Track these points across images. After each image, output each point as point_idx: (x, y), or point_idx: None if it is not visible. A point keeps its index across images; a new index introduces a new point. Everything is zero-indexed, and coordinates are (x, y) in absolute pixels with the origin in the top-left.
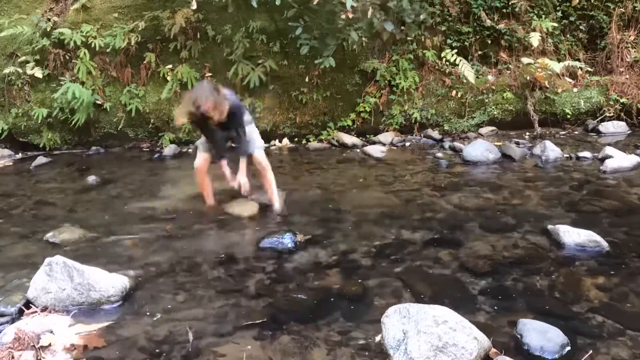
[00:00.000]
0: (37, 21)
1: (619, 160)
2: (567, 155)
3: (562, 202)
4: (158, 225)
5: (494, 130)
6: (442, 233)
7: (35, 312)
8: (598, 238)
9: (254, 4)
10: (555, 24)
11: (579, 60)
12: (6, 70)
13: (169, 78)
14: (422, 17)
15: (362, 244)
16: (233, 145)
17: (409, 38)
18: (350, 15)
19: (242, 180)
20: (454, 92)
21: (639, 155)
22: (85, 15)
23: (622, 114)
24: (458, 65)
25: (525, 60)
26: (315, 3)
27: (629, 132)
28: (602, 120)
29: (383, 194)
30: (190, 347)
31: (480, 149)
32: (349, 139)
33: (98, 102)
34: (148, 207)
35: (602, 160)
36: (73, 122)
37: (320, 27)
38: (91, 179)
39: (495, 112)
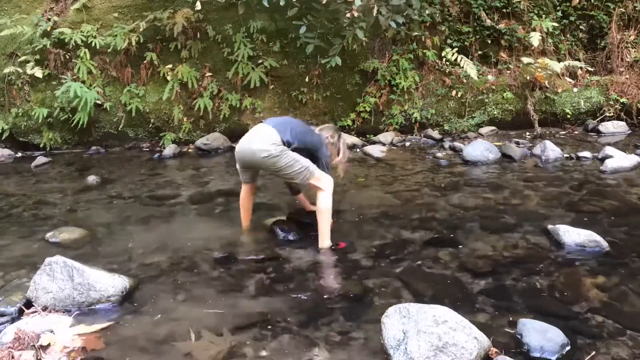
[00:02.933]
0: (37, 21)
1: (619, 160)
2: (567, 155)
3: (562, 202)
4: (158, 224)
5: (494, 130)
6: (442, 233)
7: (35, 312)
8: (598, 238)
9: (266, 3)
10: (556, 24)
11: (579, 60)
12: (6, 70)
13: (169, 78)
14: (427, 12)
15: (362, 244)
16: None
17: (414, 34)
18: (356, 14)
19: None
20: (454, 92)
21: (639, 155)
22: (85, 15)
23: (622, 114)
24: (459, 63)
25: (525, 60)
26: (324, 3)
27: (629, 132)
28: (602, 120)
29: (383, 194)
30: (190, 347)
31: (480, 149)
32: (349, 139)
33: (98, 102)
34: (148, 207)
35: (602, 160)
36: (75, 122)
37: (324, 26)
38: (91, 179)
39: (495, 112)
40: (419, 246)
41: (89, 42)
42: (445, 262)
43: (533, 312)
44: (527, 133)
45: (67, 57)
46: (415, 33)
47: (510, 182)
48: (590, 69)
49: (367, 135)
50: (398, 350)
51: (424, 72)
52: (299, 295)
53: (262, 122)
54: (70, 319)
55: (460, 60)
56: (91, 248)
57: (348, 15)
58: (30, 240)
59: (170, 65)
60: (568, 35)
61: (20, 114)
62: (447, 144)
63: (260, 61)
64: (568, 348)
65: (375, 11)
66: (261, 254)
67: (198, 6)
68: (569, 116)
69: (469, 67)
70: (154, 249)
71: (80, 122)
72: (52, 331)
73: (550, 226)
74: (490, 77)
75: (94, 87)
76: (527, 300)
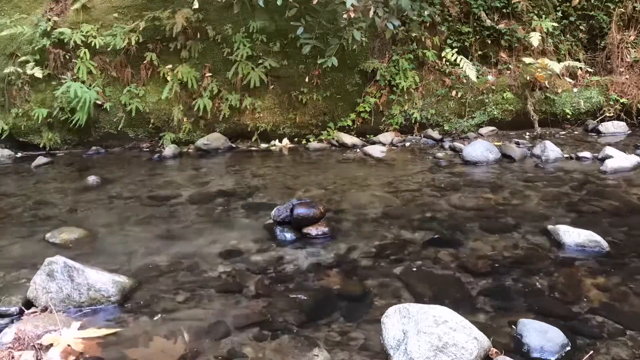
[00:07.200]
0: (37, 21)
1: (619, 160)
2: (567, 155)
3: (562, 202)
4: (158, 225)
5: (494, 130)
6: (442, 233)
7: (35, 312)
8: (598, 238)
9: (261, 3)
10: (555, 24)
11: (579, 60)
12: (6, 70)
13: (169, 78)
14: (426, 13)
15: (362, 244)
16: None
17: (413, 35)
18: (352, 15)
19: None
20: (454, 92)
21: (639, 155)
22: (85, 15)
23: (622, 114)
24: (459, 64)
25: (525, 60)
26: (315, 2)
27: (629, 132)
28: (602, 120)
29: (383, 194)
30: (190, 347)
31: (480, 149)
32: (349, 139)
33: (98, 102)
34: (148, 207)
35: (602, 160)
36: (74, 122)
37: (322, 27)
38: (91, 179)
39: (495, 112)
40: (419, 246)
41: (88, 42)
42: (445, 262)
43: (533, 312)
44: (527, 133)
45: (67, 57)
46: (414, 33)
47: (510, 182)
48: (589, 69)
49: (367, 136)
50: (398, 351)
51: (424, 73)
52: (299, 295)
53: None
54: (70, 319)
55: (460, 61)
56: (91, 248)
57: (345, 16)
58: (30, 240)
59: (170, 66)
60: (568, 36)
61: (20, 114)
62: (447, 144)
63: (260, 61)
64: (568, 348)
65: (372, 12)
66: (261, 254)
67: (195, 4)
68: (569, 116)
69: (469, 69)
70: (154, 249)
71: (79, 122)
72: (52, 331)
73: (550, 226)
74: (490, 77)
75: (94, 87)
76: (527, 300)
